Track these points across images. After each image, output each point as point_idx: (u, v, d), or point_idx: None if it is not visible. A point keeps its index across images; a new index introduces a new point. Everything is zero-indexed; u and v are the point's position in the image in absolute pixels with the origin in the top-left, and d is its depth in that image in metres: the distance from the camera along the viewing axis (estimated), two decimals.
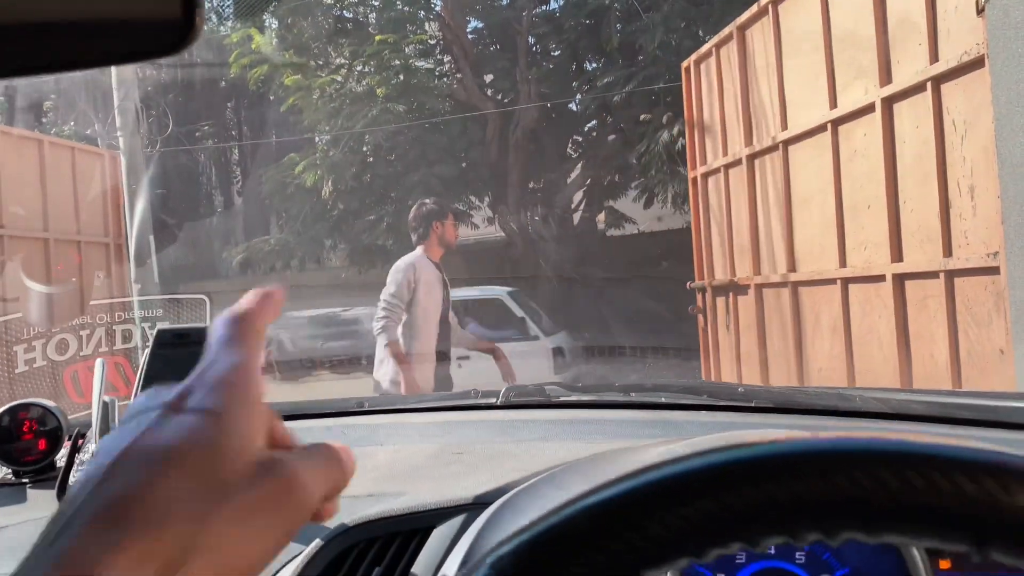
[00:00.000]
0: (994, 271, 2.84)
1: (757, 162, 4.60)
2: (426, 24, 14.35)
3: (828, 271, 3.88)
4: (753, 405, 1.25)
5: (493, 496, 0.89)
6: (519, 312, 9.08)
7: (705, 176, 5.32)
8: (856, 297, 3.70)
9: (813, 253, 4.06)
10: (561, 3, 14.13)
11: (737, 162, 4.79)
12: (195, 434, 0.36)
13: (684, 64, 5.55)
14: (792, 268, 4.24)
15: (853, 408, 1.20)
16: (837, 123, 3.77)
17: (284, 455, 0.38)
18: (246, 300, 0.43)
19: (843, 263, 3.77)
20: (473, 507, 0.88)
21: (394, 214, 13.00)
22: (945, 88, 3.08)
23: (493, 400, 1.58)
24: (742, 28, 4.68)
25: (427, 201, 4.21)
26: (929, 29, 3.12)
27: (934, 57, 3.11)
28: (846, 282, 3.75)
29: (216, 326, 0.42)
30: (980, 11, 2.91)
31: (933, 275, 3.16)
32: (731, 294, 5.00)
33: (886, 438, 0.37)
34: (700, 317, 5.41)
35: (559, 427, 1.40)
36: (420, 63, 13.99)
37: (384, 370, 3.89)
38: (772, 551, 0.82)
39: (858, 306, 3.69)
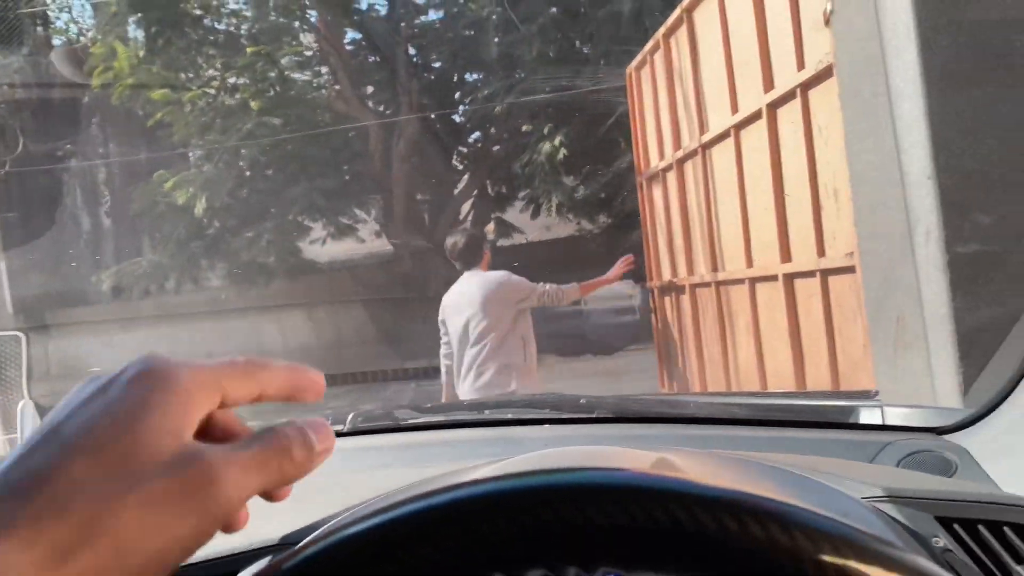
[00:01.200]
0: (852, 270, 2.95)
1: (686, 165, 4.74)
2: (301, 35, 14.03)
3: (738, 271, 4.01)
4: (595, 416, 1.23)
5: (300, 535, 0.81)
6: None
7: (649, 180, 5.46)
8: (761, 297, 3.82)
9: (732, 254, 4.20)
10: (440, 14, 14.13)
11: (670, 166, 4.95)
12: (110, 419, 0.36)
13: (628, 69, 5.75)
14: (715, 268, 4.37)
15: (679, 415, 1.22)
16: (739, 127, 3.91)
17: (207, 446, 0.38)
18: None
19: (750, 263, 3.89)
20: (278, 548, 0.80)
21: (274, 230, 12.63)
22: (811, 95, 3.19)
23: (340, 427, 1.50)
24: (666, 36, 4.81)
25: (467, 227, 4.47)
26: (796, 37, 3.24)
27: (801, 64, 3.22)
28: (753, 282, 3.87)
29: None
30: (827, 22, 3.02)
31: (812, 274, 3.28)
32: (674, 295, 5.15)
33: (618, 473, 0.38)
34: (653, 318, 5.55)
35: (405, 452, 1.34)
36: (296, 75, 13.67)
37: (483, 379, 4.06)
38: None
39: (763, 305, 3.82)
